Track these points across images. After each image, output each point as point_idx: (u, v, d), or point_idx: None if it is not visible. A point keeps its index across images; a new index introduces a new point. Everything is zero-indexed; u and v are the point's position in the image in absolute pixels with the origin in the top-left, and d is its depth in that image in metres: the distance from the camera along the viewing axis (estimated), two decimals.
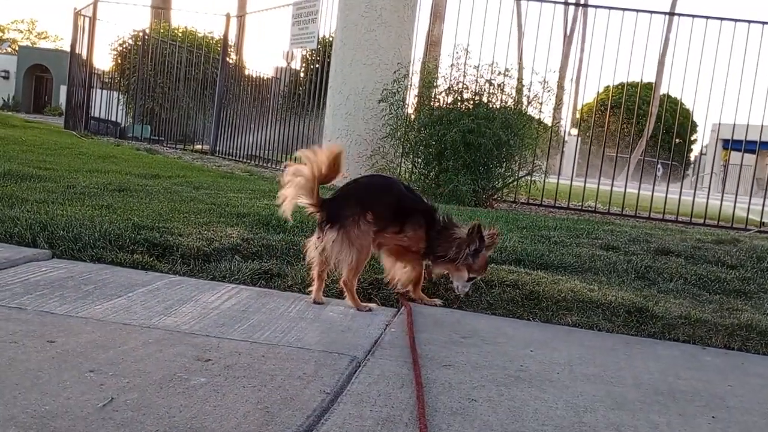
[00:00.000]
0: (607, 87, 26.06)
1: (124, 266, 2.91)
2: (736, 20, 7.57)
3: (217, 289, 2.73)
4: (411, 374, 2.01)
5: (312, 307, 2.63)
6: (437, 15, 17.91)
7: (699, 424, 1.86)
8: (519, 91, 7.70)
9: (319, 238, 2.67)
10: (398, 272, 2.86)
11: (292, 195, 2.65)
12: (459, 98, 7.54)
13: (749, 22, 7.55)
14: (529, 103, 7.72)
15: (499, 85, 7.53)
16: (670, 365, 2.34)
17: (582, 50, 34.27)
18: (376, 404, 1.79)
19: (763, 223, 8.14)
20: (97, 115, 14.30)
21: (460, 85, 7.61)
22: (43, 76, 34.74)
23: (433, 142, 7.20)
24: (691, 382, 2.18)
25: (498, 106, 7.51)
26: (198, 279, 2.88)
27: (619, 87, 25.11)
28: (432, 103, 7.63)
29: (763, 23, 7.61)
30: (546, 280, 2.96)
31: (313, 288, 2.74)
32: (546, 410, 1.86)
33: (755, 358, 2.50)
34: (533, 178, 7.88)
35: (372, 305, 2.74)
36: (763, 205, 8.11)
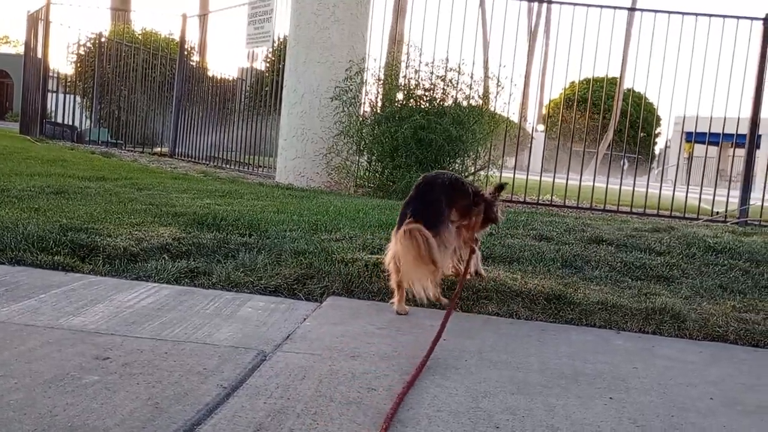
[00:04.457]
0: (573, 83, 26.34)
1: (44, 268, 2.87)
2: (697, 14, 7.71)
3: (136, 289, 2.70)
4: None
5: (230, 304, 2.61)
6: (401, 11, 17.93)
7: (595, 405, 1.89)
8: (488, 87, 7.75)
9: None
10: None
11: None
12: (410, 95, 7.57)
13: (710, 16, 7.70)
14: (480, 97, 7.77)
15: (450, 81, 7.58)
16: (580, 350, 2.37)
17: (547, 46, 34.64)
18: (272, 396, 1.78)
19: (717, 212, 8.30)
20: (54, 119, 14.07)
21: (412, 82, 7.64)
22: (3, 82, 34.10)
23: (386, 139, 7.21)
24: (596, 365, 2.22)
25: (450, 102, 7.56)
26: (119, 279, 2.84)
27: (585, 82, 25.42)
28: (382, 101, 7.65)
29: (724, 17, 7.76)
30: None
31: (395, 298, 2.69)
32: (444, 396, 1.87)
33: (667, 341, 2.54)
34: (490, 173, 7.94)
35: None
36: (728, 196, 8.28)
